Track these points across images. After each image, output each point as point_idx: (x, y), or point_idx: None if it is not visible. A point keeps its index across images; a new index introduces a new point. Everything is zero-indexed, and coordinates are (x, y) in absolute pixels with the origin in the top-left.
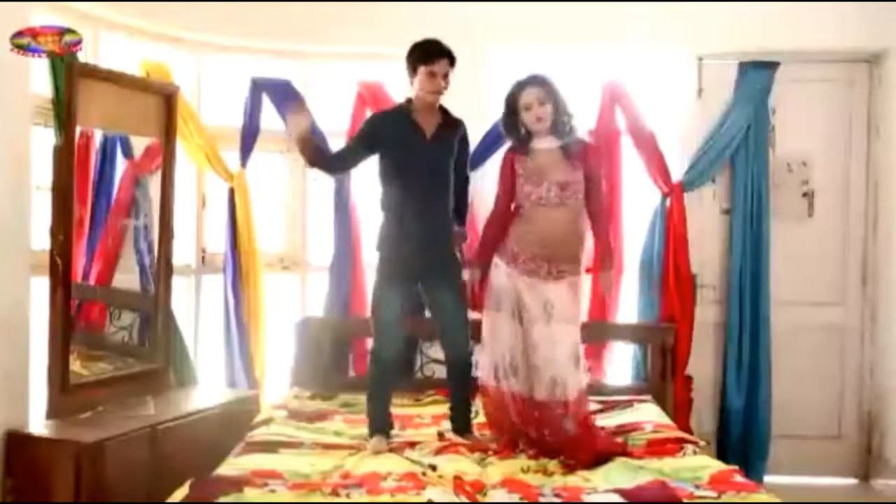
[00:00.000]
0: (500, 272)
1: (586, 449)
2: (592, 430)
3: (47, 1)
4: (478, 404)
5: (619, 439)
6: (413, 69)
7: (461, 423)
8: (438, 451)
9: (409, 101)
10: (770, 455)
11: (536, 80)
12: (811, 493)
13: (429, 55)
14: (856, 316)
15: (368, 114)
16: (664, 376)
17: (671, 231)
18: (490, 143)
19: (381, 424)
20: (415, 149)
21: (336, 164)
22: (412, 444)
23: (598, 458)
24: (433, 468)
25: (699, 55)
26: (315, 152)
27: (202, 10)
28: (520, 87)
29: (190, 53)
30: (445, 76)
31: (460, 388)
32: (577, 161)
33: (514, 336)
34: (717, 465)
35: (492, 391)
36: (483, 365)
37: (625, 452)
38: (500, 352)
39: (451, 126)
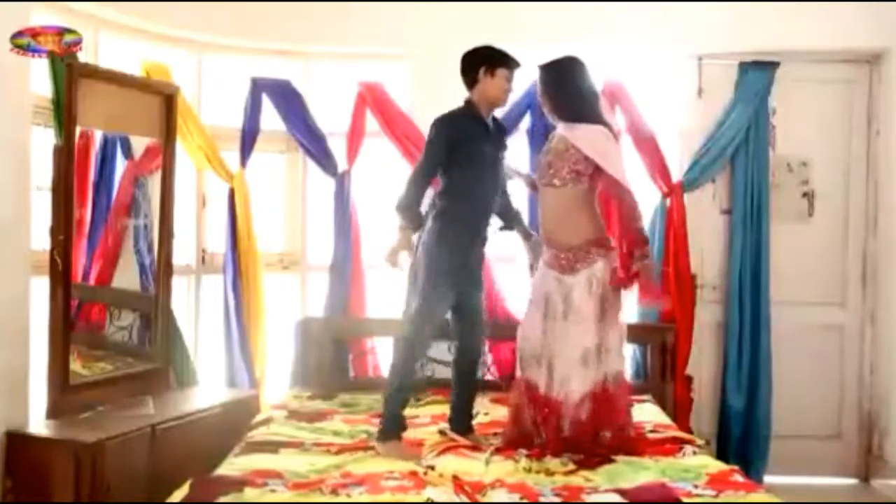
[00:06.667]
0: (538, 269)
1: (586, 453)
2: (592, 437)
3: (47, 1)
4: (482, 405)
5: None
6: (489, 70)
7: (462, 424)
8: (439, 452)
9: (469, 102)
10: (770, 455)
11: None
12: (811, 493)
13: (511, 61)
14: (856, 316)
15: (368, 114)
16: (664, 376)
17: (671, 231)
18: None
19: (397, 428)
20: (481, 142)
21: (420, 198)
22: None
23: (602, 461)
24: (433, 468)
25: (699, 55)
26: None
27: (202, 10)
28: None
29: (190, 53)
30: None
31: (467, 389)
32: (575, 145)
33: (540, 330)
34: (717, 465)
35: (522, 385)
36: (519, 360)
37: (635, 449)
38: (532, 345)
39: (499, 127)
